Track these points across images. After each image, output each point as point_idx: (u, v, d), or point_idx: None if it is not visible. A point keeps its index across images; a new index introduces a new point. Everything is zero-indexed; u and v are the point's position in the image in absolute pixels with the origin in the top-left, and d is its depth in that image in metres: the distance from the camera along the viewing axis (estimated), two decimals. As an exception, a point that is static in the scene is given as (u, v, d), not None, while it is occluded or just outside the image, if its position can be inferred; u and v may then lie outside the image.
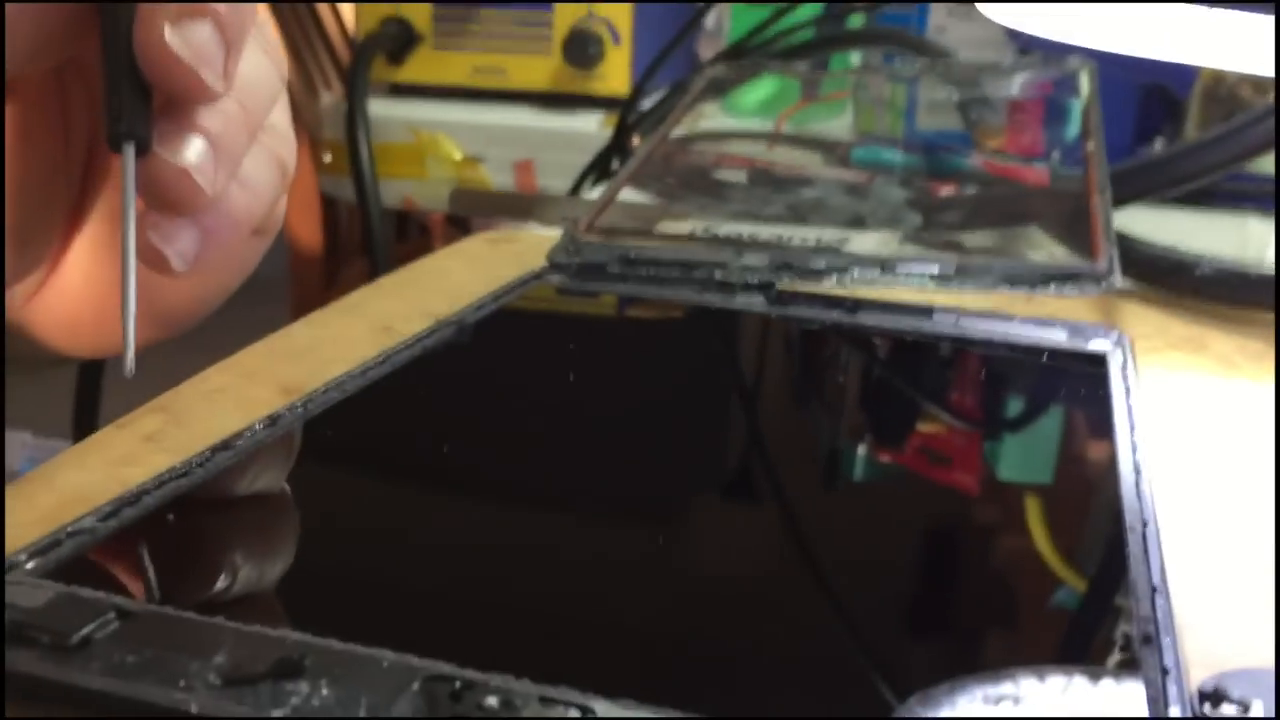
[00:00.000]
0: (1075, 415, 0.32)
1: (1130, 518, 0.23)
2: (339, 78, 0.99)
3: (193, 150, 0.23)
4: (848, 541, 0.25)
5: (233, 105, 0.24)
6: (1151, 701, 0.17)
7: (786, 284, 0.37)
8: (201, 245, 0.24)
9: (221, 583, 0.21)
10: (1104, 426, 0.28)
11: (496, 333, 0.34)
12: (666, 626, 0.21)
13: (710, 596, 0.22)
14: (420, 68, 0.86)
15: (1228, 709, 0.17)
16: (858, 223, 0.44)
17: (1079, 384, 0.33)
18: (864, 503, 0.28)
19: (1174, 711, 0.17)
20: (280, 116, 0.27)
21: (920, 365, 0.36)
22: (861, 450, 0.31)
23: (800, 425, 0.34)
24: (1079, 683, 0.18)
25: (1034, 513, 0.26)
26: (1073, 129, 0.47)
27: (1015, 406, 0.35)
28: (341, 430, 0.26)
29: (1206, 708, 0.17)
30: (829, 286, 0.37)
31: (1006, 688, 0.18)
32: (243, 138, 0.24)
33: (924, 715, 0.17)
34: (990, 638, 0.22)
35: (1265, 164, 0.61)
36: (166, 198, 0.23)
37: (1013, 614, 0.23)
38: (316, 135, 0.90)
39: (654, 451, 0.29)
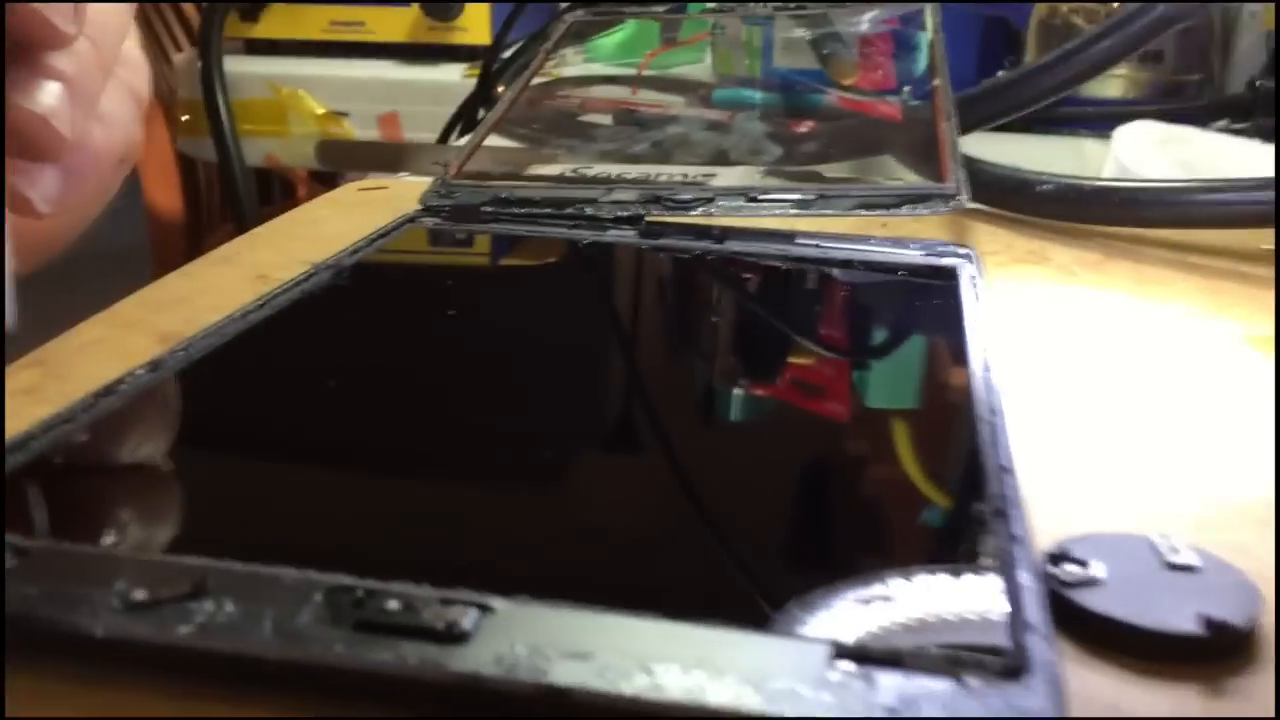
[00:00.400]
0: (937, 340, 0.34)
1: (981, 410, 0.25)
2: (190, 40, 0.96)
3: (49, 95, 0.23)
4: (727, 475, 0.25)
5: (85, 44, 0.24)
6: (1002, 566, 0.19)
7: (655, 217, 0.38)
8: (64, 186, 0.24)
9: (113, 521, 0.21)
10: (958, 337, 0.30)
11: (373, 276, 0.35)
12: (544, 561, 0.21)
13: (590, 528, 0.23)
14: (275, 23, 0.84)
15: (1070, 568, 0.19)
16: (721, 158, 0.45)
17: (934, 298, 0.35)
18: (741, 438, 0.28)
19: (1022, 573, 0.19)
20: (131, 45, 0.27)
21: (788, 298, 0.37)
22: (736, 387, 0.32)
23: (676, 366, 0.34)
24: (943, 579, 0.19)
25: (901, 436, 0.27)
26: (921, 62, 0.49)
27: (879, 333, 0.37)
28: (224, 372, 0.27)
29: (1052, 569, 0.19)
30: (696, 217, 0.38)
31: (877, 589, 0.19)
32: (98, 76, 0.24)
33: (802, 618, 0.18)
34: (864, 555, 0.23)
35: (1099, 88, 0.64)
36: (26, 144, 0.23)
37: (885, 533, 0.24)
38: (170, 98, 0.88)
39: (530, 394, 0.29)
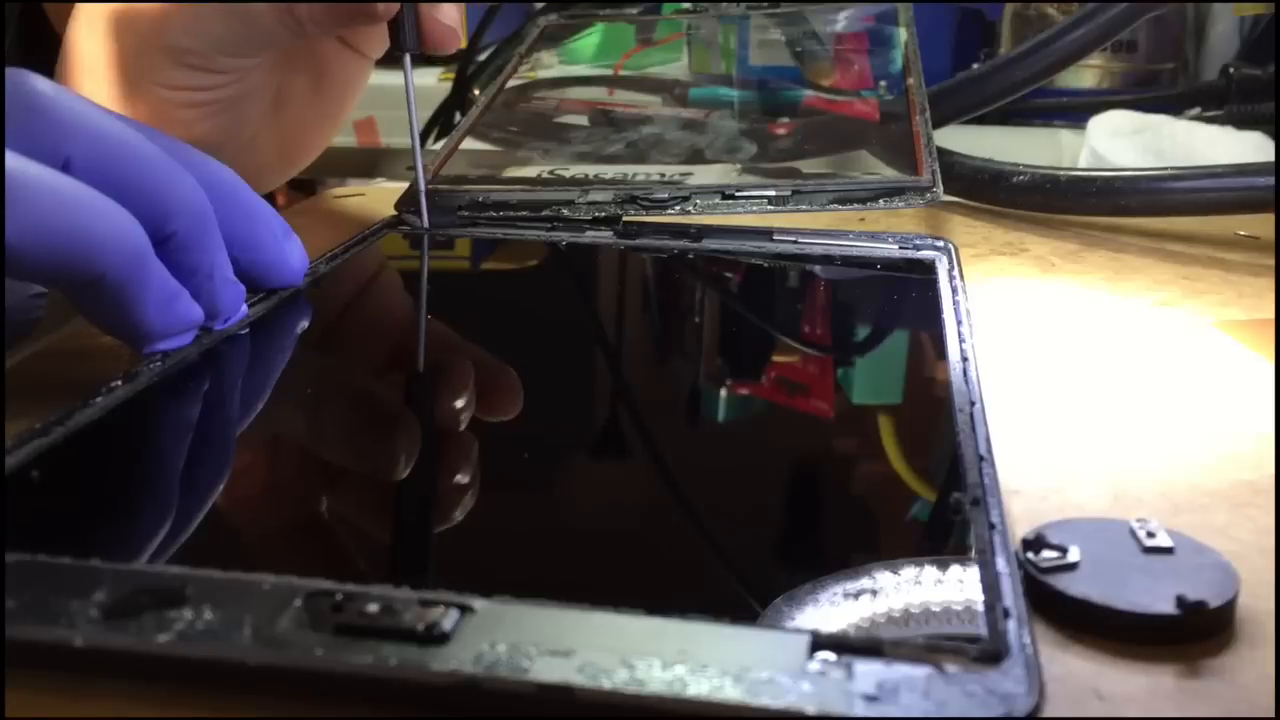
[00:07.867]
0: (915, 333, 0.33)
1: (959, 400, 0.25)
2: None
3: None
4: (709, 473, 0.25)
5: None
6: (980, 553, 0.19)
7: (632, 216, 0.38)
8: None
9: (91, 532, 0.21)
10: (937, 330, 0.30)
11: (350, 282, 0.35)
12: (527, 562, 0.21)
13: (575, 528, 0.23)
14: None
15: (1047, 554, 0.19)
16: (697, 157, 0.45)
17: (913, 292, 0.35)
18: (723, 435, 0.28)
19: (1000, 560, 0.19)
20: None
21: (765, 295, 0.37)
22: (721, 388, 0.32)
23: (661, 368, 0.34)
24: (929, 572, 0.20)
25: (887, 431, 0.27)
26: (897, 59, 0.49)
27: (861, 329, 0.36)
28: (204, 379, 0.27)
29: (1029, 555, 0.19)
30: (673, 216, 0.38)
31: (864, 582, 0.19)
32: None
33: (789, 613, 0.18)
34: (854, 551, 0.23)
35: (1074, 79, 0.64)
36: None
37: (871, 527, 0.24)
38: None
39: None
